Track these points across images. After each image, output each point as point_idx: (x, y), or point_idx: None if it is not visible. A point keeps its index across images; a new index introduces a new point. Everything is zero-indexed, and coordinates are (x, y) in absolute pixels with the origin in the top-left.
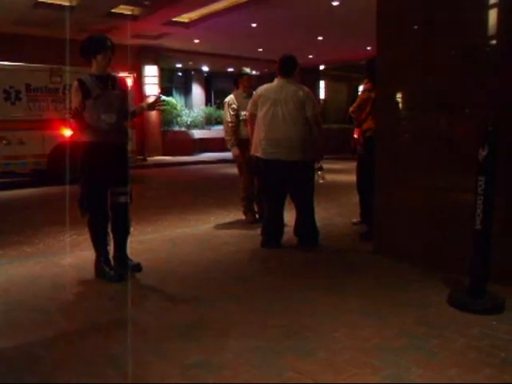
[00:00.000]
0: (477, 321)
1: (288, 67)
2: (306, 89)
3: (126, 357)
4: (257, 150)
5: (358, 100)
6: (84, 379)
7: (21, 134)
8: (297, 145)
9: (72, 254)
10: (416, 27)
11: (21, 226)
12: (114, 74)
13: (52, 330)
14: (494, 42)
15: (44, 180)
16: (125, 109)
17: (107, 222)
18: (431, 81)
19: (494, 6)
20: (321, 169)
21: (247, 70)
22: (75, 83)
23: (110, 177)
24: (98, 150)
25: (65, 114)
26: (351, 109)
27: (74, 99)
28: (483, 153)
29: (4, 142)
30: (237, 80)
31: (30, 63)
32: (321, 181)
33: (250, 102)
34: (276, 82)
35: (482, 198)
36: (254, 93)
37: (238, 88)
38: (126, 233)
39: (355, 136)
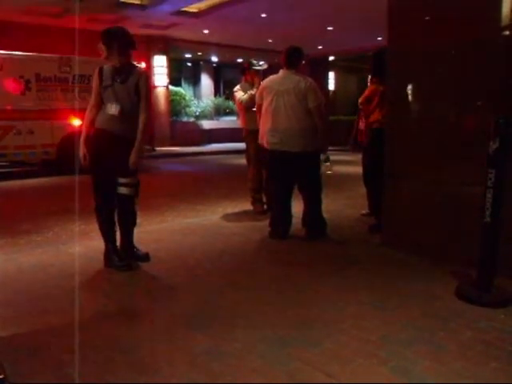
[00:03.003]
0: (484, 314)
1: (292, 58)
2: (309, 80)
3: (134, 345)
4: (263, 140)
5: (366, 92)
6: (92, 367)
7: (30, 124)
8: (299, 136)
9: (81, 243)
10: (428, 18)
11: (30, 215)
12: (133, 65)
13: (60, 318)
14: (506, 33)
15: (53, 170)
16: (134, 103)
17: (113, 211)
18: (442, 73)
19: None
20: (327, 160)
21: (255, 62)
22: (96, 70)
23: (111, 166)
24: (100, 138)
25: (74, 104)
26: (360, 100)
27: (93, 85)
28: (494, 146)
29: (14, 131)
30: (244, 71)
31: (39, 53)
32: (328, 172)
33: (257, 93)
34: (281, 73)
35: (491, 191)
36: (261, 84)
37: (246, 79)
38: (132, 224)
39: (361, 128)
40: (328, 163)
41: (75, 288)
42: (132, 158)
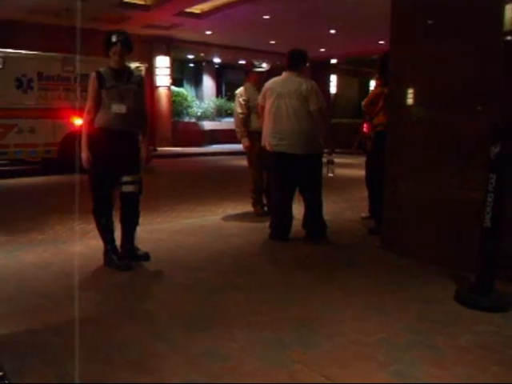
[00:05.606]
0: (483, 318)
1: (295, 61)
2: (311, 82)
3: (133, 344)
4: (265, 142)
5: (370, 94)
6: (91, 366)
7: (32, 123)
8: (300, 138)
9: (81, 242)
10: (430, 22)
11: (31, 213)
12: (130, 67)
13: (60, 317)
14: (508, 38)
15: (54, 168)
16: (138, 102)
17: (111, 210)
18: (444, 77)
19: (509, 1)
20: (331, 162)
21: (258, 63)
22: (93, 74)
23: (115, 165)
24: (104, 137)
25: (76, 104)
26: (363, 103)
27: (90, 89)
28: (495, 150)
29: (15, 129)
30: (248, 73)
31: (43, 51)
32: (330, 174)
33: (260, 94)
34: (283, 75)
35: (492, 195)
36: (264, 85)
37: (249, 81)
38: (135, 224)
39: (364, 131)
40: (331, 165)
41: (75, 287)
42: (143, 153)
